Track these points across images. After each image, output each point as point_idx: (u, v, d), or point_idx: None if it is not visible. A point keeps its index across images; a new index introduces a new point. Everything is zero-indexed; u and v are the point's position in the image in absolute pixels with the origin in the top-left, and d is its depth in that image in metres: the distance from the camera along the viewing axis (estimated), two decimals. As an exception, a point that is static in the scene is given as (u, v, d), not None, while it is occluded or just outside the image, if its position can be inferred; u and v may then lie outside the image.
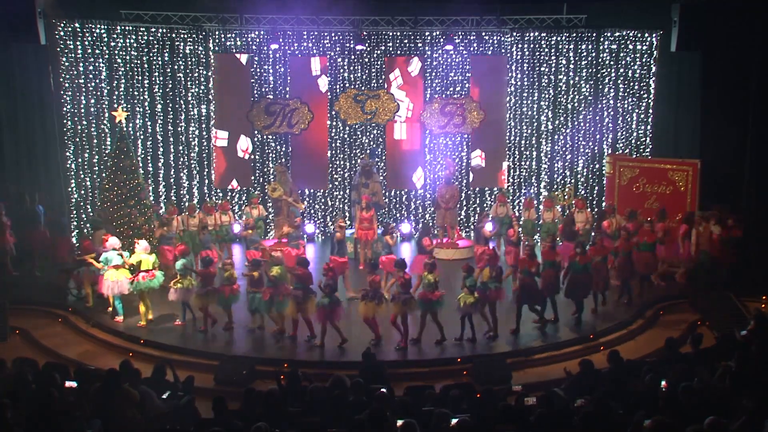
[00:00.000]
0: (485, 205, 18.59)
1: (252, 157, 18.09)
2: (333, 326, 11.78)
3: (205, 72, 17.59)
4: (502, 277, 12.26)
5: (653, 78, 17.60)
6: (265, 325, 12.49)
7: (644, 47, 17.53)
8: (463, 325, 12.01)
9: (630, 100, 17.83)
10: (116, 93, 17.09)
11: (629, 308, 13.57)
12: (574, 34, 17.58)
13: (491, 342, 12.07)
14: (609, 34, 17.57)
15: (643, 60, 17.59)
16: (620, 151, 17.76)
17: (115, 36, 16.89)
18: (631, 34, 17.53)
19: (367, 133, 18.37)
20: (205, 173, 18.08)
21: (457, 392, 8.16)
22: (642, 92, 17.76)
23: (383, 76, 17.97)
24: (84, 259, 13.47)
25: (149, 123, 17.49)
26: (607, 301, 13.54)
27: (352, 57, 17.93)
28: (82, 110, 16.94)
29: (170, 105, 17.55)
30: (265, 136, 18.04)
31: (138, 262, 12.82)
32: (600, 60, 17.70)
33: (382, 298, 11.80)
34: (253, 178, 18.21)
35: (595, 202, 18.08)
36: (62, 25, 16.47)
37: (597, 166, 18.05)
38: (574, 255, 12.82)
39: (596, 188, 18.11)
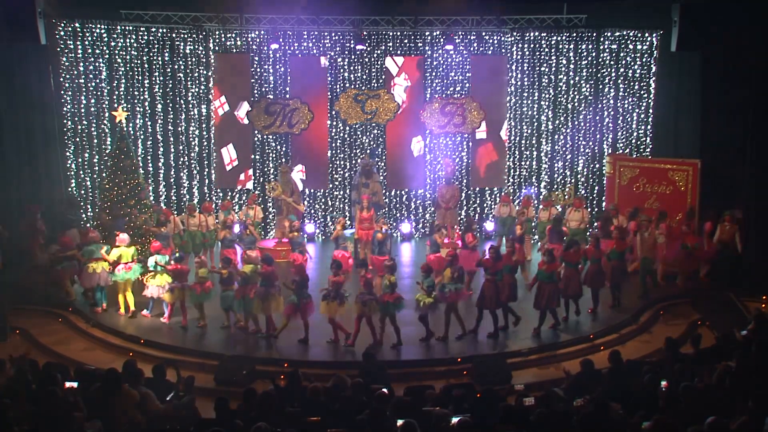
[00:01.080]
0: (485, 205, 18.61)
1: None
2: (303, 322, 11.89)
3: (205, 72, 17.59)
4: (463, 278, 12.14)
5: (653, 78, 17.62)
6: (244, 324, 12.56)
7: (644, 47, 17.54)
8: (426, 323, 11.97)
9: (630, 100, 17.83)
10: (116, 93, 17.10)
11: (629, 308, 13.56)
12: (574, 34, 17.58)
13: (480, 341, 11.98)
14: (609, 34, 17.57)
15: (643, 60, 17.59)
16: (620, 151, 17.77)
17: (115, 36, 16.90)
18: (631, 34, 17.53)
19: (367, 133, 18.38)
20: (205, 173, 18.08)
21: (459, 392, 8.15)
22: (642, 92, 17.77)
23: (383, 76, 17.97)
24: (67, 255, 13.64)
25: (149, 123, 17.50)
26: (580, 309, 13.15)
27: (352, 57, 17.93)
28: (82, 110, 16.96)
29: (170, 105, 17.56)
30: (265, 136, 18.04)
31: (118, 256, 13.07)
32: (600, 60, 17.71)
33: (344, 298, 11.75)
34: (253, 178, 18.21)
35: (595, 202, 18.09)
36: (62, 25, 16.48)
37: (597, 166, 18.06)
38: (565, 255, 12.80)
39: (596, 188, 18.12)
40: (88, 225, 15.95)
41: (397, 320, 11.75)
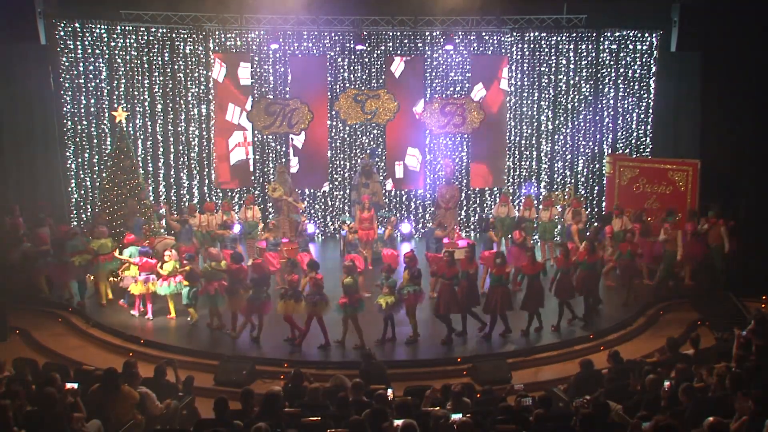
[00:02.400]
0: (485, 205, 18.61)
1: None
2: (259, 320, 12.00)
3: (205, 72, 17.59)
4: (420, 280, 12.04)
5: (653, 78, 17.60)
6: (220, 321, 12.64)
7: (644, 47, 17.53)
8: (386, 326, 11.95)
9: (630, 100, 17.82)
10: (116, 93, 17.08)
11: (629, 308, 13.55)
12: (574, 34, 17.57)
13: (448, 344, 11.90)
14: (609, 34, 17.57)
15: (643, 60, 17.58)
16: (620, 151, 17.76)
17: (115, 36, 16.88)
18: (631, 34, 17.52)
19: (367, 133, 18.38)
20: (205, 173, 18.08)
21: (458, 387, 8.15)
22: (642, 92, 17.76)
23: (383, 76, 17.97)
24: (41, 251, 13.82)
25: (149, 123, 17.48)
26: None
27: (352, 57, 17.93)
28: (82, 110, 16.95)
29: (170, 105, 17.54)
30: (265, 136, 18.04)
31: (99, 246, 13.39)
32: (600, 60, 17.70)
33: (300, 296, 11.76)
34: (253, 178, 18.22)
35: (595, 202, 18.09)
36: (62, 25, 16.47)
37: (597, 166, 18.05)
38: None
39: (596, 188, 18.11)
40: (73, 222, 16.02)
41: (359, 321, 11.74)
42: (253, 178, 18.21)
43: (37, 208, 15.33)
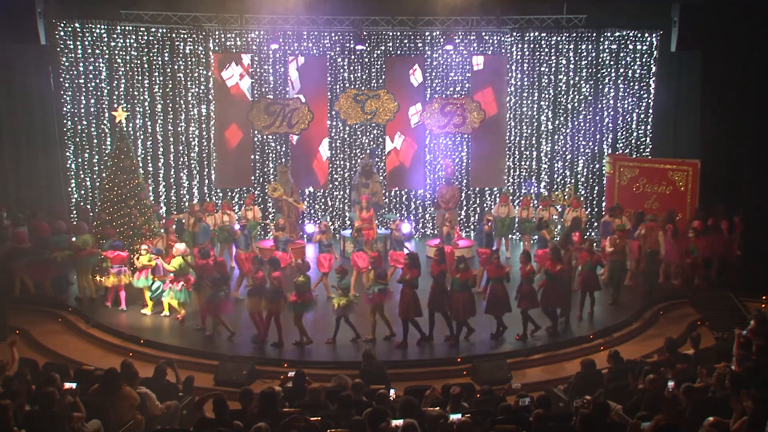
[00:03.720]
0: (485, 205, 18.61)
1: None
2: (215, 319, 12.16)
3: (205, 72, 17.59)
4: (386, 279, 12.02)
5: (653, 78, 17.60)
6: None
7: (644, 47, 17.53)
8: (338, 326, 11.94)
9: (630, 100, 17.82)
10: (116, 93, 17.08)
11: (629, 308, 13.56)
12: (574, 34, 17.57)
13: (423, 344, 11.83)
14: (609, 34, 17.56)
15: (643, 60, 17.58)
16: (620, 151, 17.76)
17: (115, 36, 16.88)
18: (631, 34, 17.52)
19: (367, 133, 18.37)
20: (205, 173, 18.08)
21: (457, 389, 8.17)
22: (642, 92, 17.76)
23: (383, 76, 17.97)
24: (22, 250, 13.95)
25: (149, 123, 17.48)
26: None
27: (352, 57, 17.93)
28: (82, 110, 16.95)
29: (170, 105, 17.54)
30: (265, 136, 18.04)
31: (83, 242, 13.69)
32: (600, 60, 17.70)
33: (264, 293, 11.87)
34: (253, 178, 18.22)
35: (595, 202, 18.08)
36: (62, 25, 16.46)
37: (597, 166, 18.05)
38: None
39: (596, 188, 18.11)
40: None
41: (303, 321, 11.87)
42: (253, 178, 18.21)
43: (47, 210, 15.43)
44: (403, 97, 17.90)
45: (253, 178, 18.21)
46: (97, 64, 16.87)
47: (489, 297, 12.10)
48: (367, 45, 17.70)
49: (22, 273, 14.07)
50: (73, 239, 14.04)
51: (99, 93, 17.00)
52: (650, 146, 17.87)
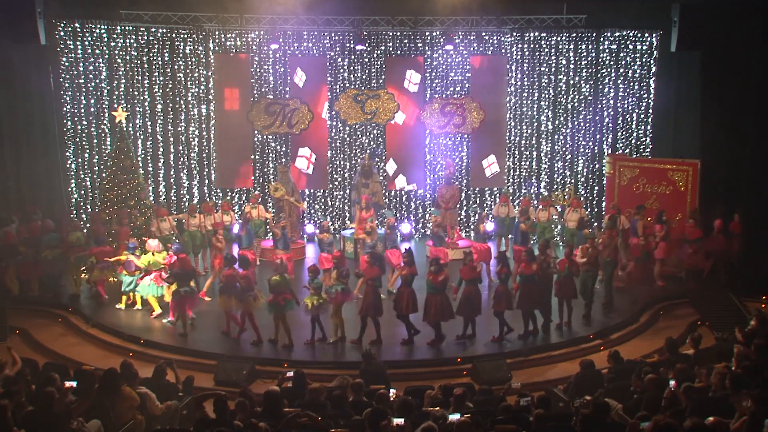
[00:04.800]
0: (485, 205, 18.60)
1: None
2: (181, 315, 12.30)
3: (205, 72, 17.59)
4: (347, 279, 11.99)
5: (653, 78, 17.60)
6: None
7: (644, 47, 17.53)
8: (314, 326, 11.95)
9: (630, 100, 17.82)
10: (116, 93, 17.09)
11: (629, 308, 13.55)
12: (574, 34, 17.57)
13: (374, 346, 11.63)
14: (609, 34, 17.57)
15: (643, 60, 17.58)
16: (620, 151, 17.76)
17: (115, 36, 16.88)
18: (631, 34, 17.52)
19: (367, 133, 18.38)
20: (205, 173, 18.08)
21: (460, 390, 8.17)
22: (642, 92, 17.76)
23: (383, 76, 17.97)
24: (8, 249, 14.04)
25: (149, 123, 17.49)
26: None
27: (352, 57, 17.93)
28: (82, 110, 16.95)
29: (170, 105, 17.55)
30: (265, 136, 18.04)
31: (76, 239, 13.94)
32: (600, 60, 17.70)
33: (234, 291, 11.96)
34: (253, 178, 18.22)
35: (595, 202, 18.08)
36: (62, 25, 16.47)
37: (597, 166, 18.04)
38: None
39: (596, 188, 18.11)
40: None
41: (287, 321, 11.86)
42: (253, 178, 18.22)
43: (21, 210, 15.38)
44: (399, 99, 17.90)
45: (253, 178, 18.21)
46: (97, 64, 16.87)
47: (461, 299, 12.02)
48: (367, 45, 17.70)
49: (10, 272, 14.08)
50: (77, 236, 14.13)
51: (99, 93, 17.01)
52: (650, 146, 17.87)
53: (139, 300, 13.42)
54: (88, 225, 16.03)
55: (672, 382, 8.20)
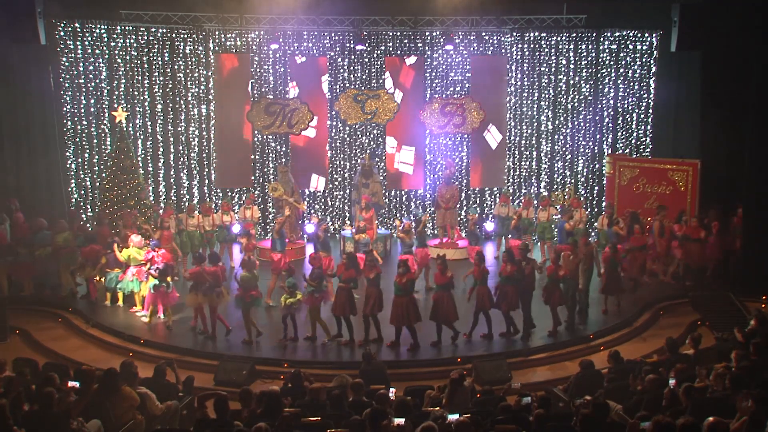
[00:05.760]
0: (485, 205, 18.62)
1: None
2: (154, 308, 12.63)
3: (205, 72, 17.59)
4: (319, 282, 11.92)
5: (653, 78, 17.60)
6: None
7: (644, 47, 17.54)
8: (285, 325, 11.99)
9: (630, 100, 17.82)
10: (116, 93, 17.09)
11: (629, 308, 13.55)
12: (574, 34, 17.58)
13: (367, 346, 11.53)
14: (609, 34, 17.57)
15: (643, 60, 17.58)
16: (620, 151, 17.76)
17: (115, 36, 16.89)
18: (631, 34, 17.53)
19: (367, 133, 18.37)
20: (205, 173, 18.08)
21: (457, 374, 8.14)
22: (642, 92, 17.76)
23: (383, 76, 17.97)
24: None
25: (149, 123, 17.49)
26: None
27: (352, 57, 17.93)
28: (82, 110, 16.95)
29: (170, 105, 17.55)
30: (265, 136, 18.04)
31: (63, 239, 13.99)
32: (600, 60, 17.70)
33: (200, 288, 12.07)
34: (253, 178, 18.22)
35: (595, 202, 18.08)
36: (62, 25, 16.47)
37: (597, 166, 18.05)
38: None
39: (596, 188, 18.11)
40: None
41: (253, 317, 12.04)
42: (253, 178, 18.22)
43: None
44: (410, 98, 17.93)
45: (253, 178, 18.21)
46: (97, 64, 16.87)
47: (433, 303, 11.92)
48: (367, 45, 17.70)
49: (3, 272, 14.10)
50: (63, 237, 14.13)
51: (99, 93, 17.01)
52: (650, 146, 17.88)
53: (122, 296, 13.54)
54: (88, 225, 16.05)
55: (672, 381, 8.20)
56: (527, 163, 18.41)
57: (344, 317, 11.85)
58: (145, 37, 17.13)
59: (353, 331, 11.93)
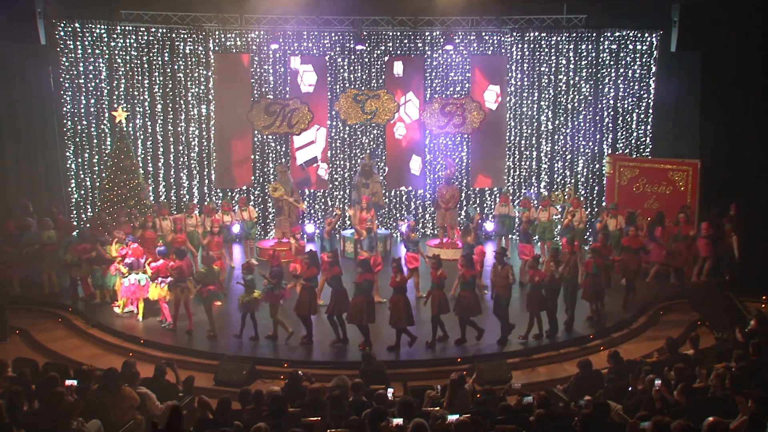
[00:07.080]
0: (485, 205, 18.61)
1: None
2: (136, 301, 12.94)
3: (205, 72, 17.59)
4: (279, 280, 11.96)
5: (653, 78, 17.59)
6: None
7: (644, 47, 17.52)
8: (243, 322, 12.09)
9: (630, 100, 17.81)
10: (116, 93, 17.08)
11: (629, 308, 13.55)
12: (574, 34, 17.57)
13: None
14: (609, 34, 17.56)
15: (643, 60, 17.57)
16: (620, 151, 17.75)
17: (115, 36, 16.88)
18: (631, 34, 17.51)
19: (367, 133, 18.38)
20: (205, 173, 18.08)
21: (456, 376, 8.16)
22: (642, 92, 17.74)
23: (383, 76, 17.97)
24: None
25: (149, 123, 17.48)
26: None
27: (352, 57, 17.93)
28: (82, 110, 16.95)
29: (170, 105, 17.54)
30: (265, 136, 18.04)
31: (48, 237, 14.10)
32: (600, 60, 17.69)
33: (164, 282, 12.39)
34: (253, 178, 18.22)
35: (595, 202, 18.08)
36: (62, 25, 16.46)
37: (597, 166, 18.03)
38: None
39: (596, 188, 18.11)
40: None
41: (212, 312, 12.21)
42: (253, 178, 18.22)
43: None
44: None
45: (253, 178, 18.22)
46: (97, 64, 16.87)
47: (391, 308, 11.84)
48: (367, 45, 17.70)
49: None
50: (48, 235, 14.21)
51: (99, 93, 17.00)
52: (650, 146, 17.86)
53: (109, 293, 13.62)
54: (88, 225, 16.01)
55: (657, 382, 8.13)
56: (527, 163, 18.41)
57: (303, 318, 11.92)
58: (145, 37, 17.12)
59: (311, 330, 12.01)
